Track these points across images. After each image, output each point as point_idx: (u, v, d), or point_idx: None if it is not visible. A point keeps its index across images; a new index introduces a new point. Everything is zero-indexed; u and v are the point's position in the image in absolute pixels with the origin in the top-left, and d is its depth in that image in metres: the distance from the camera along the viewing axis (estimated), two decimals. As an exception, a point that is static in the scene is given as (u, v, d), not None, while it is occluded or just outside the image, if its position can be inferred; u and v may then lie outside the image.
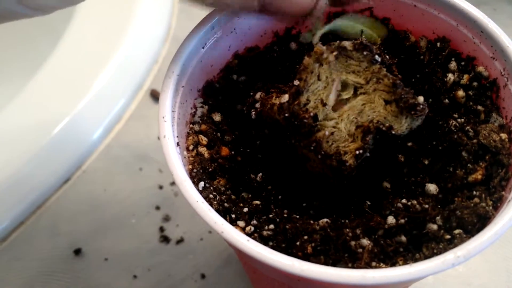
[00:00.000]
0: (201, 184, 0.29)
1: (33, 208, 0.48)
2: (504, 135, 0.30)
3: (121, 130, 0.53)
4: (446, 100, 0.33)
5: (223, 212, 0.28)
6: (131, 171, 0.51)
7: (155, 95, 0.56)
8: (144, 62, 0.57)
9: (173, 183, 0.49)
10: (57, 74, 0.53)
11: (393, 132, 0.28)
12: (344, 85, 0.29)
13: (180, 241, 0.46)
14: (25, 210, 0.48)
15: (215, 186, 0.30)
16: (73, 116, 0.50)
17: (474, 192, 0.29)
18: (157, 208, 0.48)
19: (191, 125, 0.32)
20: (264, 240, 0.28)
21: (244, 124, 0.32)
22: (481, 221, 0.27)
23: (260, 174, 0.31)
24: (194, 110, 0.33)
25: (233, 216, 0.28)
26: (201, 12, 0.61)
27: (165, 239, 0.46)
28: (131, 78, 0.56)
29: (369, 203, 0.30)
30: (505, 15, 0.60)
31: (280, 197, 0.30)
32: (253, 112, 0.31)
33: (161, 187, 0.49)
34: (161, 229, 0.47)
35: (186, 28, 0.60)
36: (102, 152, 0.52)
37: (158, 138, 0.52)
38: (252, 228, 0.28)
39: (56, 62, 0.53)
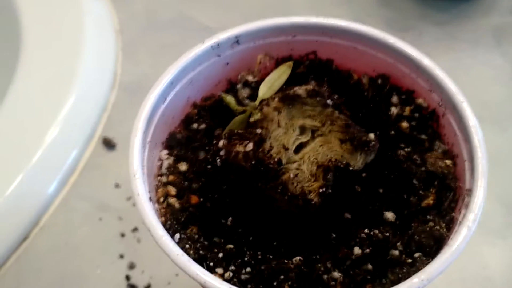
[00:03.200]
0: (177, 236, 0.30)
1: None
2: (448, 161, 0.33)
3: (76, 181, 0.53)
4: (392, 132, 0.36)
5: (199, 260, 0.30)
6: (91, 221, 0.50)
7: (107, 143, 0.56)
8: (94, 110, 0.57)
9: (134, 230, 0.50)
10: (5, 131, 0.52)
11: (351, 168, 0.31)
12: (303, 129, 0.31)
13: (147, 287, 0.46)
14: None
15: (188, 235, 0.31)
16: (27, 173, 0.49)
17: (428, 217, 0.31)
18: (121, 256, 0.48)
19: (159, 177, 0.33)
20: (243, 284, 0.29)
21: (210, 171, 0.34)
22: (438, 243, 0.30)
23: (230, 218, 0.32)
24: (161, 162, 0.34)
25: (211, 264, 0.29)
26: (145, 57, 0.62)
27: (132, 287, 0.46)
28: (82, 127, 0.56)
29: (334, 235, 0.32)
30: (432, 37, 0.63)
31: (251, 238, 0.32)
32: (219, 160, 0.32)
33: (123, 235, 0.49)
34: (128, 278, 0.47)
35: (132, 73, 0.62)
36: (59, 205, 0.51)
37: (115, 185, 0.52)
38: (231, 274, 0.29)
39: (4, 118, 0.53)
